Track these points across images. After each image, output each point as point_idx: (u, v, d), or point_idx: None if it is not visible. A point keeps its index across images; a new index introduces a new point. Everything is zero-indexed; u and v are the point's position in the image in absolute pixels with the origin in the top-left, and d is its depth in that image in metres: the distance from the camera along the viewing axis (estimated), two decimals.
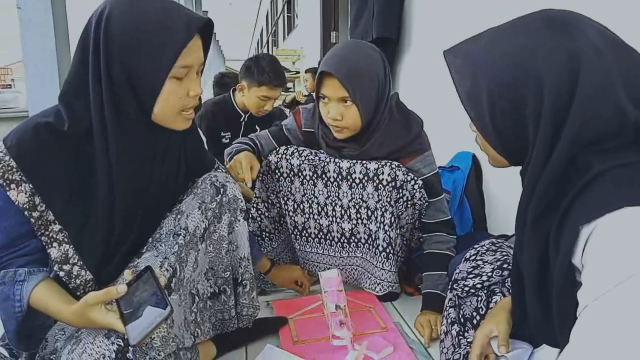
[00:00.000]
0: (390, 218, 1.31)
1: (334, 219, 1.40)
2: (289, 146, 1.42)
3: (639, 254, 0.52)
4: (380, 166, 1.30)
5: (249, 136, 1.48)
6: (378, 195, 1.31)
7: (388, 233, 1.32)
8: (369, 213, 1.34)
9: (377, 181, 1.30)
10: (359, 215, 1.36)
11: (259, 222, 1.51)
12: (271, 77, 1.94)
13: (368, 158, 1.33)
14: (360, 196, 1.34)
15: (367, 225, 1.36)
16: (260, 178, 1.44)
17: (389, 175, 1.28)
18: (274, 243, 1.55)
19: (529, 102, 0.62)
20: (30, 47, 3.20)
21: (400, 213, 1.33)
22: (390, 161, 1.31)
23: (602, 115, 0.59)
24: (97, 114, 0.81)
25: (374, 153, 1.32)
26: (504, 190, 1.80)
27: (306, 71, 4.61)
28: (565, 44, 0.60)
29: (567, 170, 0.61)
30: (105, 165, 0.83)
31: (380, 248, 1.35)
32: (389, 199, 1.29)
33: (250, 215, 1.53)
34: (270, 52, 9.59)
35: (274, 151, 1.41)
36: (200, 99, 0.90)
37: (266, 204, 1.49)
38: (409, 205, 1.32)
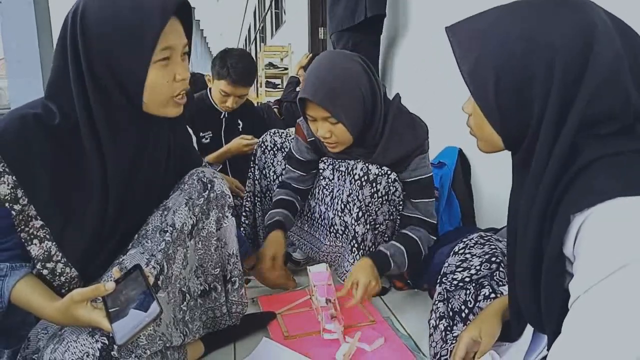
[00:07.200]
0: (358, 212, 1.31)
1: (324, 204, 1.46)
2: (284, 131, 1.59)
3: (631, 245, 0.52)
4: (356, 162, 1.32)
5: (284, 185, 1.49)
6: (350, 190, 1.32)
7: (353, 227, 1.33)
8: (342, 206, 1.36)
9: (351, 175, 1.31)
10: (337, 208, 1.39)
11: (253, 215, 1.57)
12: (230, 72, 1.83)
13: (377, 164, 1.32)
14: (339, 190, 1.37)
15: (342, 218, 1.38)
16: (261, 153, 1.57)
17: (361, 169, 1.29)
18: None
19: (539, 75, 0.60)
20: (12, 43, 3.14)
21: (377, 209, 1.32)
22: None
23: (609, 94, 0.58)
24: (82, 112, 0.80)
25: (380, 161, 1.30)
26: (492, 184, 1.81)
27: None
28: (579, 16, 0.59)
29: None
30: (97, 160, 0.82)
31: (346, 241, 1.37)
32: (357, 194, 1.30)
33: (244, 209, 1.58)
34: (258, 49, 9.45)
35: (275, 132, 1.57)
36: (191, 82, 0.89)
37: (258, 197, 1.56)
38: (384, 202, 1.32)
